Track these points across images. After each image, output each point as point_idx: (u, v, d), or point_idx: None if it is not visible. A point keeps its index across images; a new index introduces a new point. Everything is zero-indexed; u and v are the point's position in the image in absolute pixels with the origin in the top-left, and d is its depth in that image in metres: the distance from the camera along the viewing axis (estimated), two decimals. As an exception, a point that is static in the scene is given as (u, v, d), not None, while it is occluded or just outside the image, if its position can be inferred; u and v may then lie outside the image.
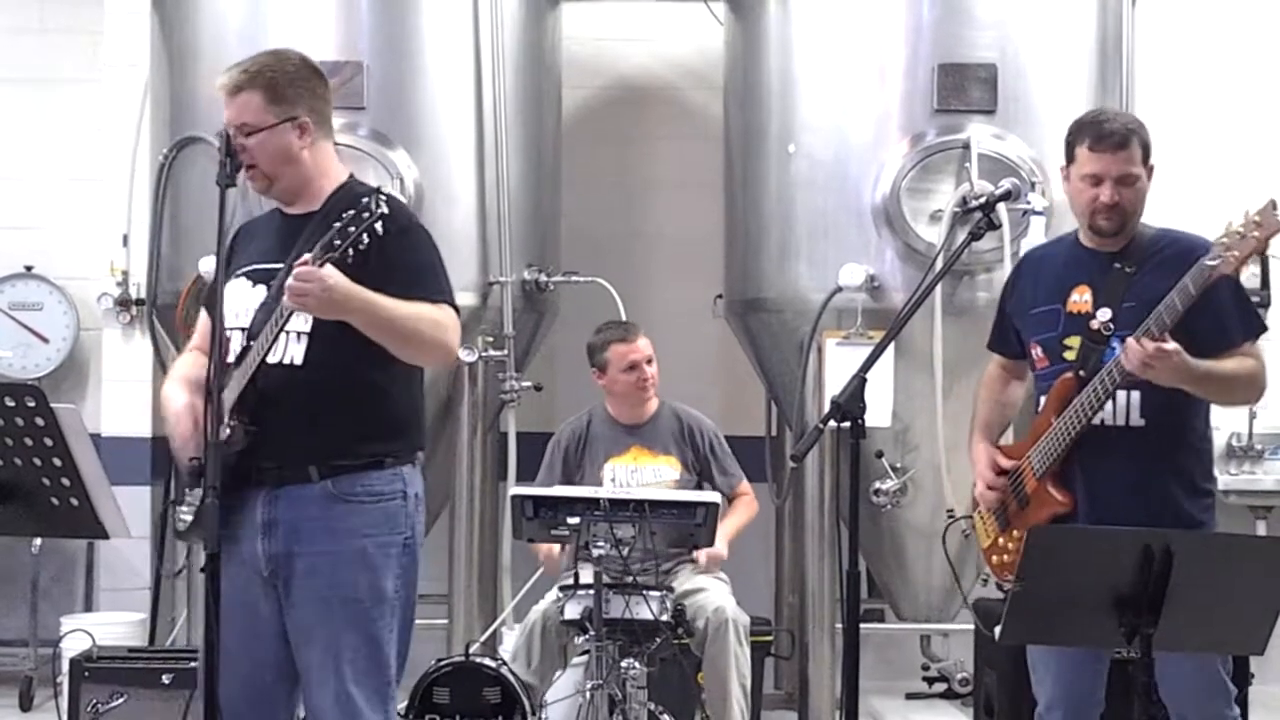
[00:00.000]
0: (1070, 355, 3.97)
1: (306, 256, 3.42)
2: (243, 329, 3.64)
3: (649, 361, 5.71)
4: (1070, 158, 4.03)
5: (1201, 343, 3.79)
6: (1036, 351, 4.09)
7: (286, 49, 3.81)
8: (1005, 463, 4.13)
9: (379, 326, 3.53)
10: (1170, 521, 3.78)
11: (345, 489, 3.62)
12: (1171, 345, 3.70)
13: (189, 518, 3.72)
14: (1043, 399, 4.05)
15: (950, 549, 6.01)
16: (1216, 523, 4.05)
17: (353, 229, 3.39)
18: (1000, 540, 4.18)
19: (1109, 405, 3.90)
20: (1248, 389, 3.97)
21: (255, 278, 3.66)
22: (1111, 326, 3.90)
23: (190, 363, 3.82)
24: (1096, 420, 3.91)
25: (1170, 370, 3.74)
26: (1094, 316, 3.94)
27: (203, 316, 3.90)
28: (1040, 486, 4.02)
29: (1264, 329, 4.02)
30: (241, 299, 3.69)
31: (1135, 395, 3.90)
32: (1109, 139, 3.93)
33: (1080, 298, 3.99)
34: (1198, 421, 4.03)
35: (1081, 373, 3.93)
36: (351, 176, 3.80)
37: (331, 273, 3.40)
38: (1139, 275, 3.92)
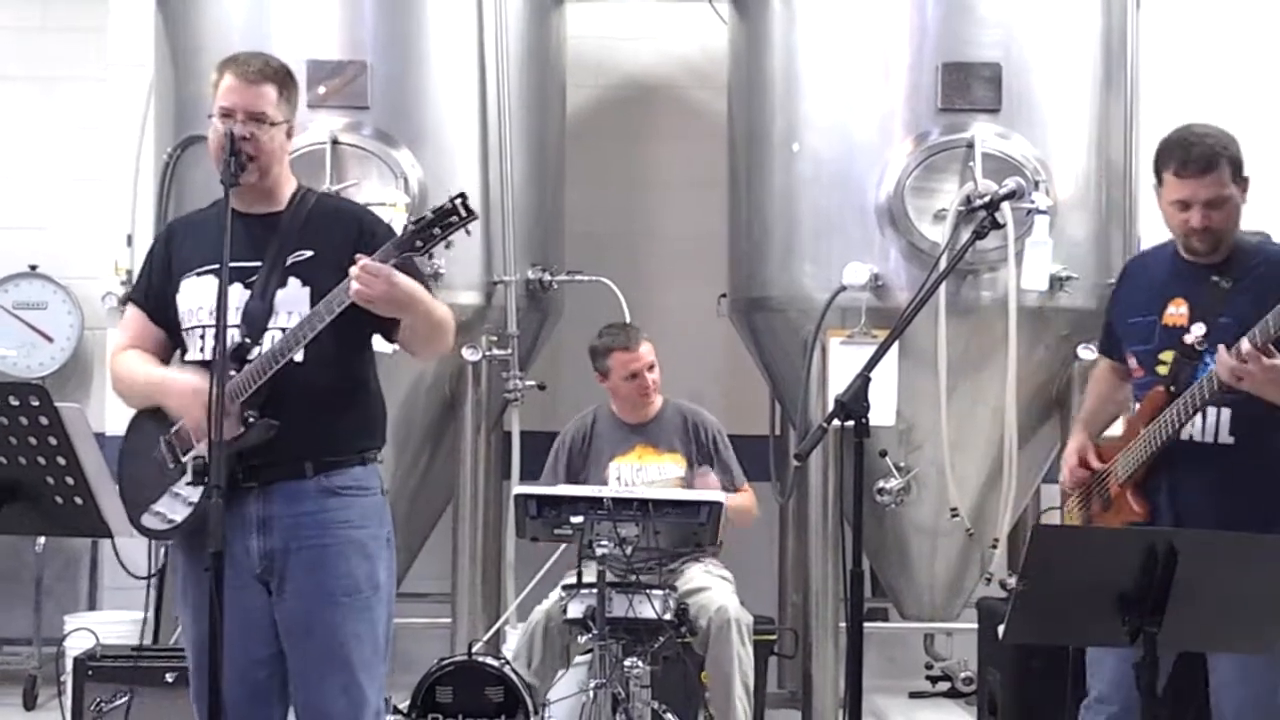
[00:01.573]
0: (1163, 370, 3.94)
1: (368, 260, 3.48)
2: (232, 326, 3.62)
3: (650, 368, 5.71)
4: (1159, 180, 3.98)
5: None
6: (1132, 361, 4.07)
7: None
8: (1095, 462, 4.12)
9: (425, 320, 3.64)
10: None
11: (337, 484, 3.69)
12: (1271, 360, 3.63)
13: (176, 517, 3.70)
14: (1136, 406, 4.04)
15: (953, 548, 6.07)
16: None
17: (438, 231, 3.48)
18: None
19: (1198, 420, 3.87)
20: None
21: (230, 275, 3.62)
22: (1205, 342, 3.85)
23: (143, 357, 3.80)
24: (1185, 435, 3.88)
25: (1265, 379, 3.67)
26: (1188, 331, 3.90)
27: (131, 312, 3.89)
28: (1122, 493, 4.01)
29: None
30: (204, 296, 3.69)
31: (1226, 413, 3.87)
32: (1194, 164, 3.88)
33: (1176, 310, 3.96)
34: None
35: (1172, 388, 3.89)
36: (299, 182, 3.87)
37: (395, 271, 3.50)
38: (1236, 291, 3.88)
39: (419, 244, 3.50)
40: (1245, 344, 3.67)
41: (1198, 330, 3.88)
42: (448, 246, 3.58)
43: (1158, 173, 3.98)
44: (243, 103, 3.67)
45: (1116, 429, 4.31)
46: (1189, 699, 4.04)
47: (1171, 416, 3.87)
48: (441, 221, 3.49)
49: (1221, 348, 3.72)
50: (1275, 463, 3.93)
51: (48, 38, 7.40)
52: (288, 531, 3.65)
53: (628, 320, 6.27)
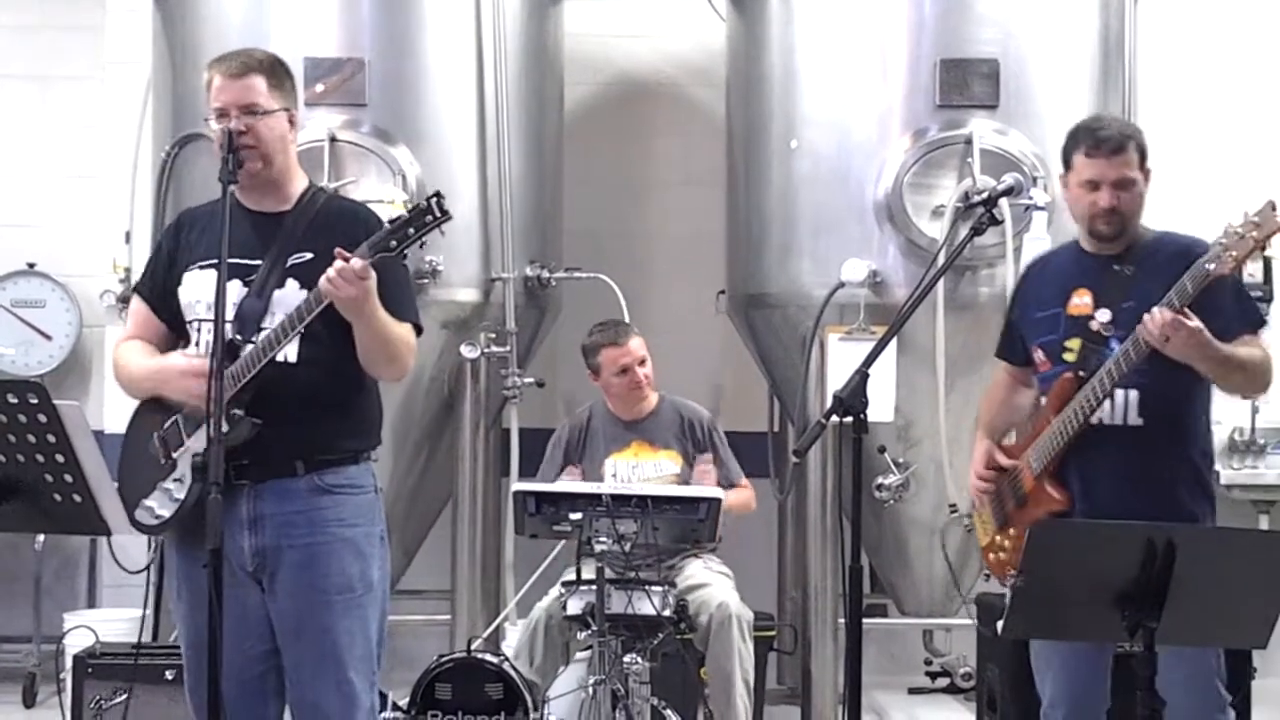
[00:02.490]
0: (1070, 357, 4.00)
1: (345, 254, 3.48)
2: (225, 322, 3.62)
3: (641, 362, 5.71)
4: (1068, 165, 4.07)
5: None
6: (1039, 355, 4.11)
7: (259, 48, 3.88)
8: (1004, 461, 4.16)
9: (377, 336, 3.63)
10: (1168, 520, 3.76)
11: (329, 482, 3.69)
12: (1195, 322, 3.70)
13: (164, 513, 3.70)
14: (1043, 400, 4.07)
15: (952, 544, 6.06)
16: (1215, 523, 4.05)
17: (412, 230, 3.47)
18: (997, 538, 4.19)
19: (1107, 404, 3.92)
20: (1257, 377, 3.97)
21: (230, 272, 3.64)
22: (1111, 327, 3.92)
23: (144, 348, 3.80)
24: (1095, 419, 3.93)
25: (1188, 343, 3.73)
26: (1093, 318, 3.96)
27: (136, 303, 3.90)
28: (1038, 485, 4.04)
29: (1264, 323, 4.03)
30: (205, 290, 3.69)
31: (1134, 394, 3.93)
32: (1105, 144, 3.97)
33: (1080, 300, 4.02)
34: (1197, 421, 4.05)
35: (1081, 373, 3.95)
36: (311, 181, 3.87)
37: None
38: (1138, 277, 3.94)
39: (394, 244, 3.50)
40: (1169, 312, 3.70)
41: (1102, 316, 3.95)
42: (421, 246, 3.56)
43: (1067, 158, 4.07)
44: (232, 98, 3.68)
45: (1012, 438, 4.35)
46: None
47: (1083, 399, 3.91)
48: (417, 221, 3.49)
49: (1154, 309, 3.74)
50: (1182, 442, 4.00)
51: (45, 36, 7.39)
52: (278, 529, 3.66)
53: (625, 317, 6.28)
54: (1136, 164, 3.99)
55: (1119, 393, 3.91)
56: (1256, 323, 3.99)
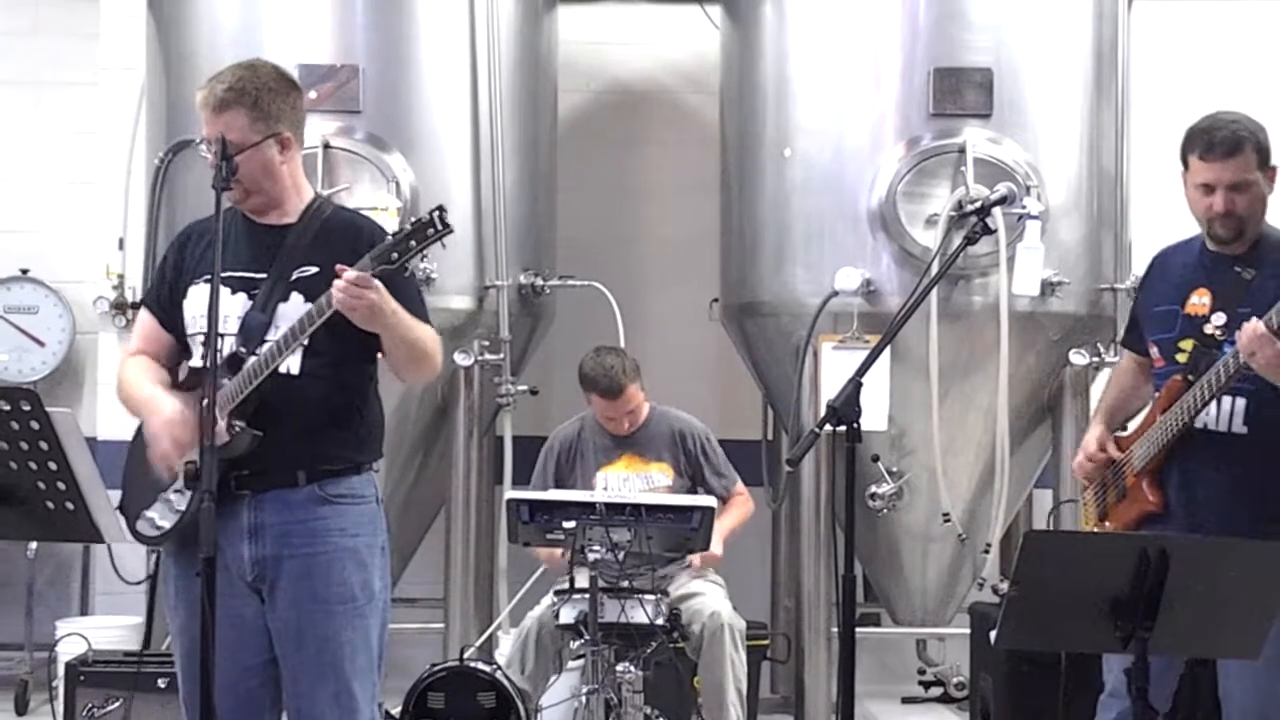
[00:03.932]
0: (1182, 358, 3.93)
1: (345, 268, 3.47)
2: (226, 335, 3.62)
3: (632, 411, 5.69)
4: (1185, 164, 3.98)
5: None
6: (1154, 351, 4.05)
7: (260, 60, 3.84)
8: (1113, 451, 4.10)
9: (404, 339, 3.62)
10: (1265, 531, 3.70)
11: (331, 491, 3.67)
12: None
13: (165, 524, 3.70)
14: (1156, 396, 4.02)
15: (945, 553, 6.07)
16: None
17: (414, 243, 3.47)
18: (1095, 529, 4.15)
19: (1213, 409, 3.85)
20: None
21: (234, 285, 3.64)
22: (1225, 331, 3.85)
23: (146, 367, 3.79)
24: (1199, 424, 3.87)
25: (1274, 361, 3.65)
26: (1209, 320, 3.90)
27: (144, 316, 3.88)
28: (1137, 483, 4.00)
29: None
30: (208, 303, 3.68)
31: (1241, 402, 3.85)
32: (1219, 147, 3.88)
33: (1199, 300, 3.95)
34: None
35: (1190, 376, 3.88)
36: (317, 192, 3.85)
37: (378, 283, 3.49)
38: (1258, 280, 3.87)
39: (395, 256, 3.49)
40: (1260, 324, 3.65)
41: (1218, 319, 3.88)
42: (423, 259, 3.57)
43: (1184, 157, 3.97)
44: (211, 133, 3.65)
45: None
46: (1198, 702, 4.02)
47: (1187, 403, 3.85)
48: (418, 234, 3.49)
49: (1253, 319, 3.68)
50: None
51: (39, 42, 7.38)
52: (279, 539, 3.64)
53: (619, 325, 6.29)
54: (1255, 164, 3.89)
55: (1226, 399, 3.84)
56: None
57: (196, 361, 3.72)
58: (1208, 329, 3.89)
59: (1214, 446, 3.88)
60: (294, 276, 3.67)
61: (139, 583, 6.06)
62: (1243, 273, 3.90)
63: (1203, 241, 4.04)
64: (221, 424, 3.53)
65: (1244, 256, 3.93)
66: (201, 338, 3.68)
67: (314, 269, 3.65)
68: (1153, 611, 3.37)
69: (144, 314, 3.89)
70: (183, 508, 3.66)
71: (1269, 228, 3.97)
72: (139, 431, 3.79)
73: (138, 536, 3.75)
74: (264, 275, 3.67)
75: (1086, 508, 4.22)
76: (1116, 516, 4.04)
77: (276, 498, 3.64)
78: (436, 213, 3.50)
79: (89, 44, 7.15)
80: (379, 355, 3.74)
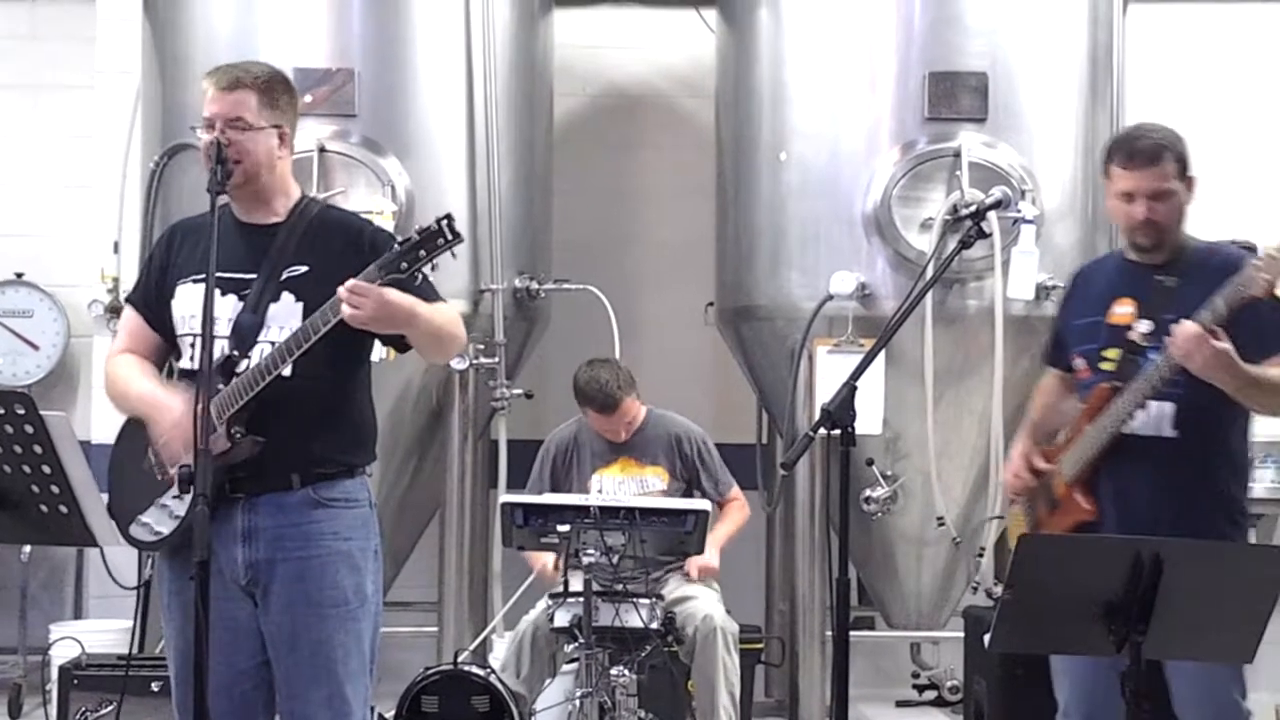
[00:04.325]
0: (1108, 366, 3.96)
1: (355, 281, 3.47)
2: (218, 337, 3.61)
3: (629, 422, 5.69)
4: (1106, 174, 4.01)
5: (1239, 354, 3.72)
6: (1078, 362, 4.08)
7: (264, 62, 3.85)
8: (1041, 464, 4.12)
9: (427, 332, 3.63)
10: (1196, 531, 3.74)
11: (325, 495, 3.67)
12: (1224, 344, 3.66)
13: (163, 529, 3.69)
14: (1081, 407, 4.04)
15: (939, 557, 6.07)
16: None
17: (423, 253, 3.47)
18: None
19: (1141, 415, 3.88)
20: None
21: (224, 286, 3.63)
22: (1152, 338, 3.87)
23: (139, 366, 3.77)
24: (1128, 430, 3.89)
25: (1210, 362, 3.68)
26: (1133, 328, 3.92)
27: (129, 314, 3.87)
28: (1069, 492, 4.01)
29: None
30: (197, 303, 3.64)
31: (1169, 406, 3.88)
32: (1139, 156, 3.91)
33: (1122, 310, 3.97)
34: (1233, 437, 3.98)
35: (1117, 383, 3.91)
36: (304, 193, 3.85)
37: (387, 289, 3.48)
38: (1181, 288, 3.89)
39: (404, 265, 3.49)
40: (1195, 325, 3.68)
41: (1143, 327, 3.91)
42: (433, 269, 3.57)
43: (1105, 167, 4.02)
44: (220, 111, 3.66)
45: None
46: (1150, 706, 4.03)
47: (1117, 409, 3.89)
48: (428, 244, 3.49)
49: (1185, 322, 3.71)
50: (1217, 457, 3.95)
51: (35, 45, 7.38)
52: (272, 543, 3.63)
53: (614, 329, 6.29)
54: (1175, 174, 3.92)
55: (1154, 404, 3.87)
56: None
57: (187, 364, 3.72)
58: (1132, 335, 3.92)
59: (1144, 451, 3.91)
60: (284, 276, 3.66)
61: (133, 587, 6.04)
62: (1165, 280, 3.93)
63: (1122, 254, 4.09)
64: (220, 431, 3.53)
65: (1165, 265, 3.97)
66: (191, 339, 3.68)
67: (304, 268, 3.65)
68: (1146, 615, 3.37)
69: (129, 312, 3.87)
70: (182, 513, 3.64)
71: (1188, 237, 4.01)
72: (124, 433, 3.78)
73: (133, 542, 3.74)
74: (253, 275, 3.67)
75: (1016, 521, 4.23)
76: (1050, 526, 4.04)
77: (270, 501, 3.64)
78: (445, 221, 3.48)
79: (86, 48, 7.15)
80: (370, 358, 3.74)
